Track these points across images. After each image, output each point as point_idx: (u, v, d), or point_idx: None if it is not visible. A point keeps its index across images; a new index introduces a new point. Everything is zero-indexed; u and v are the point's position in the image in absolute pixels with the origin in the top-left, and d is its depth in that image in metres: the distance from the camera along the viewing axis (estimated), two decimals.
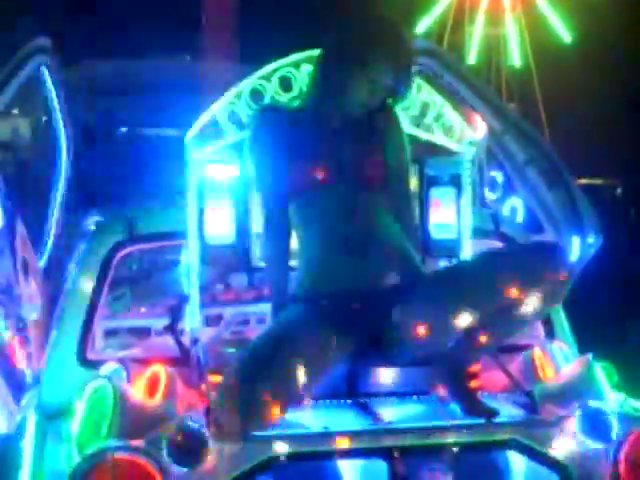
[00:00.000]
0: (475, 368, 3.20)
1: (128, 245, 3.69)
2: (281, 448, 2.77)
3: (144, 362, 3.34)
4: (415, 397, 3.14)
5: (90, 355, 3.53)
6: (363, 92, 3.13)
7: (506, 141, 3.60)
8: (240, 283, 4.06)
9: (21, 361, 3.99)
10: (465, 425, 2.92)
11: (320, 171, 3.16)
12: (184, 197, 3.44)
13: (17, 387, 3.85)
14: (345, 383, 3.09)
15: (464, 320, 2.92)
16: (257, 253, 3.43)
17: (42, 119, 4.12)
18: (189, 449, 2.70)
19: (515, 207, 4.33)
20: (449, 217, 3.68)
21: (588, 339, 3.77)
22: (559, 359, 3.51)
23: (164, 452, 2.69)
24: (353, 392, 3.11)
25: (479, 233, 3.74)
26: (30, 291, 3.70)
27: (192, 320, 3.44)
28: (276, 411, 2.77)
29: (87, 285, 3.59)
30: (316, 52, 3.31)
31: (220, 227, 3.46)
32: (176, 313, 3.54)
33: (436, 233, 3.66)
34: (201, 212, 3.43)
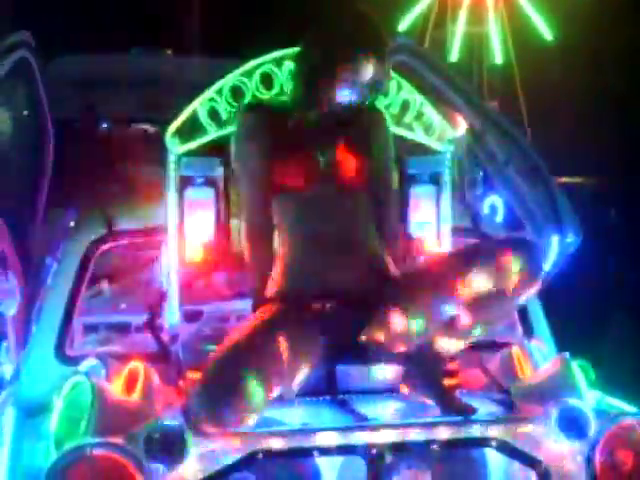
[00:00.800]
0: (453, 366, 3.22)
1: (107, 241, 3.68)
2: (260, 445, 2.77)
3: (123, 358, 3.34)
4: (393, 395, 3.15)
5: (69, 351, 3.52)
6: (342, 90, 3.12)
7: (486, 139, 3.61)
8: (220, 280, 4.06)
9: None
10: (443, 422, 2.93)
11: (302, 172, 3.15)
12: (164, 194, 3.44)
13: None
14: (324, 380, 3.10)
15: (439, 316, 2.94)
16: (237, 250, 3.43)
17: (24, 114, 4.08)
18: (168, 446, 2.70)
19: (495, 205, 4.34)
20: (429, 216, 3.69)
21: (566, 338, 3.79)
22: (537, 357, 3.52)
23: (143, 449, 2.69)
24: (332, 389, 3.11)
25: (459, 231, 3.75)
26: (9, 286, 3.69)
27: (171, 317, 3.44)
28: (254, 408, 2.78)
29: (66, 281, 3.58)
30: (297, 49, 3.31)
31: (200, 224, 3.46)
32: (155, 310, 3.54)
33: (416, 231, 3.66)
34: (181, 209, 3.42)
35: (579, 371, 3.24)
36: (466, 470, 3.06)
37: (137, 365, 3.20)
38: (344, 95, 3.13)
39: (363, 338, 3.02)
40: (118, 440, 2.71)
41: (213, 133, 3.43)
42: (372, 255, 3.17)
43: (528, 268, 2.93)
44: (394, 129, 3.52)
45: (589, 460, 2.95)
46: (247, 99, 3.41)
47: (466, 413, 2.96)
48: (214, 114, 3.42)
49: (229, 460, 2.75)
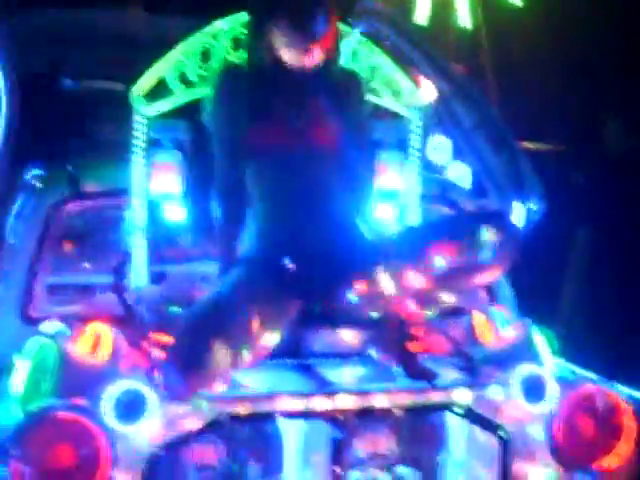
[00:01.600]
0: (416, 331, 3.23)
1: (72, 201, 3.65)
2: (225, 409, 2.78)
3: (88, 320, 3.32)
4: (358, 359, 3.17)
5: (32, 312, 3.50)
6: (290, 48, 3.05)
7: (453, 105, 3.60)
8: (186, 241, 4.05)
9: None
10: (406, 388, 2.96)
11: (274, 133, 3.14)
12: (130, 154, 3.42)
13: None
14: (291, 344, 3.11)
15: (408, 283, 2.95)
16: (205, 212, 3.41)
17: None
18: (132, 408, 2.71)
19: (462, 172, 4.34)
20: (395, 182, 3.69)
21: (530, 305, 3.82)
22: (499, 323, 3.55)
23: (107, 411, 2.69)
24: (299, 353, 3.13)
25: (426, 198, 3.76)
26: None
27: (136, 278, 3.43)
28: (222, 372, 2.79)
29: (29, 241, 3.56)
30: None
31: (166, 185, 3.44)
32: (120, 271, 3.52)
33: (383, 197, 3.66)
34: (147, 170, 3.40)
35: (541, 337, 3.28)
36: (429, 435, 3.10)
37: (101, 327, 3.19)
38: (291, 53, 3.06)
39: (331, 302, 3.03)
40: (83, 402, 2.71)
41: (181, 95, 3.40)
42: (342, 218, 3.17)
43: (503, 241, 2.93)
44: None
45: (549, 426, 2.99)
46: (216, 61, 3.38)
47: (429, 378, 2.99)
48: (182, 76, 3.39)
49: (194, 424, 2.76)
